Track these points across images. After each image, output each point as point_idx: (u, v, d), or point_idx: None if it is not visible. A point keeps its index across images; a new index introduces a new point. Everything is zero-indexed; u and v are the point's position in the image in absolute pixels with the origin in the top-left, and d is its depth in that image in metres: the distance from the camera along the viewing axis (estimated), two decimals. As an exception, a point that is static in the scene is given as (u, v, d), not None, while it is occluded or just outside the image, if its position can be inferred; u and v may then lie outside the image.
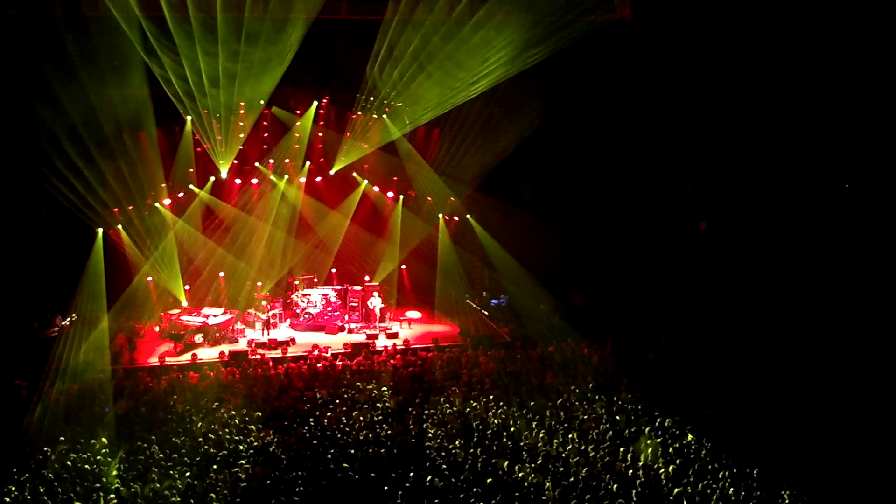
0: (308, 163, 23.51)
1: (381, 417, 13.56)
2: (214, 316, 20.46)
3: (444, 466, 11.36)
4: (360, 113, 23.02)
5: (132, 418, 13.41)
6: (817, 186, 20.15)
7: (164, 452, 11.79)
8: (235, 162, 22.79)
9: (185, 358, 18.48)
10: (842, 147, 19.68)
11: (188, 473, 11.02)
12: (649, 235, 22.11)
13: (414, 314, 22.53)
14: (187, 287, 22.18)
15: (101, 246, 20.93)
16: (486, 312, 23.06)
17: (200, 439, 12.28)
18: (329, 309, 21.67)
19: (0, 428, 12.89)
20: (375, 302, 21.55)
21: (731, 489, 10.66)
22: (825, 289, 19.20)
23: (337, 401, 14.40)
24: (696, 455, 11.87)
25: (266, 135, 22.92)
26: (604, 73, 20.87)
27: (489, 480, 10.79)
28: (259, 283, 22.50)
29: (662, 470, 11.27)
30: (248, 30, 18.78)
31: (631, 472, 11.32)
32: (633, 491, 10.63)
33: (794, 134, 20.00)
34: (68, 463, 11.31)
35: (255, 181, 23.28)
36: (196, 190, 22.74)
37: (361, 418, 13.38)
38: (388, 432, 12.79)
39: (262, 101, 21.84)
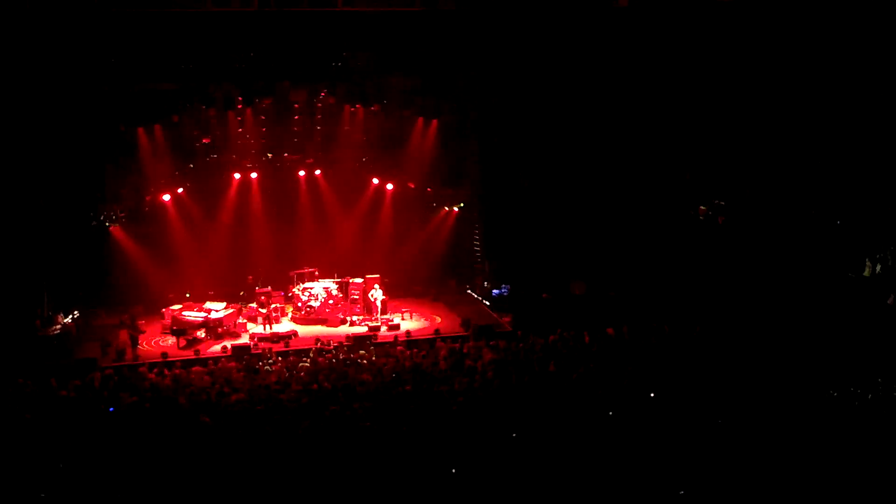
0: (306, 155, 23.56)
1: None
2: (216, 311, 20.49)
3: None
4: (358, 105, 23.03)
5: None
6: (816, 173, 20.08)
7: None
8: (234, 156, 22.82)
9: (188, 353, 18.54)
10: (839, 132, 19.60)
11: None
12: (650, 223, 22.13)
13: (415, 305, 22.57)
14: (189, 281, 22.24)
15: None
16: (487, 302, 23.09)
17: None
18: (330, 302, 21.70)
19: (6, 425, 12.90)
20: (376, 294, 21.56)
21: None
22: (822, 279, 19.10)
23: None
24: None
25: (264, 129, 22.87)
26: (603, 61, 20.87)
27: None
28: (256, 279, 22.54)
29: None
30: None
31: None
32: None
33: (792, 120, 19.97)
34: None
35: (254, 175, 23.26)
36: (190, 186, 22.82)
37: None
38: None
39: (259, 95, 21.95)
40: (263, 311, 21.04)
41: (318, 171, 23.79)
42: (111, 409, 13.55)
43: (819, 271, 19.58)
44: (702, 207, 21.80)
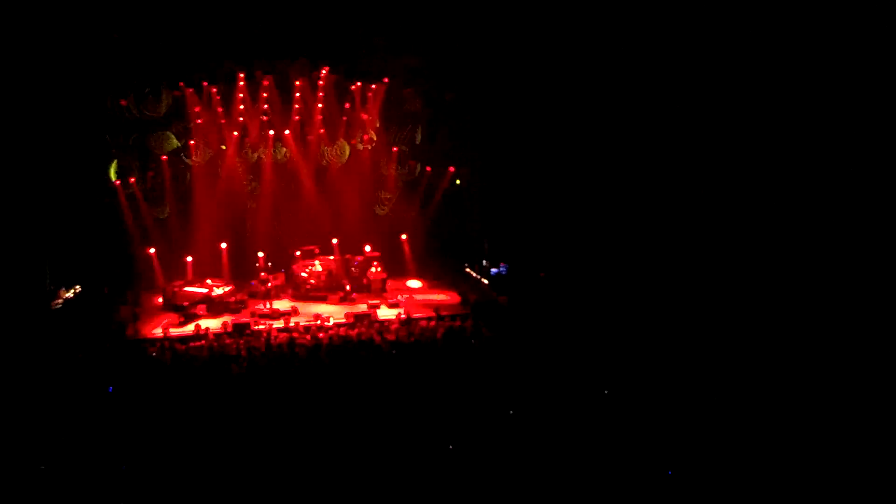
0: (307, 132, 23.56)
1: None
2: (217, 286, 20.61)
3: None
4: (359, 83, 23.01)
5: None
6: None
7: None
8: (235, 134, 22.82)
9: (189, 329, 18.67)
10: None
11: None
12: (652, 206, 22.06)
13: (414, 283, 22.67)
14: (189, 258, 22.27)
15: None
16: (485, 281, 23.20)
17: None
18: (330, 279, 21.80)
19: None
20: (375, 271, 21.67)
21: None
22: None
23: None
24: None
25: (266, 106, 22.86)
26: (604, 43, 20.75)
27: None
28: (260, 254, 22.61)
29: None
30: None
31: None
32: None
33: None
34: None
35: (254, 152, 23.27)
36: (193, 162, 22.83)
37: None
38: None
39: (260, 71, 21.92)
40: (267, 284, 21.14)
41: (319, 149, 23.80)
42: (110, 388, 13.66)
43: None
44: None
